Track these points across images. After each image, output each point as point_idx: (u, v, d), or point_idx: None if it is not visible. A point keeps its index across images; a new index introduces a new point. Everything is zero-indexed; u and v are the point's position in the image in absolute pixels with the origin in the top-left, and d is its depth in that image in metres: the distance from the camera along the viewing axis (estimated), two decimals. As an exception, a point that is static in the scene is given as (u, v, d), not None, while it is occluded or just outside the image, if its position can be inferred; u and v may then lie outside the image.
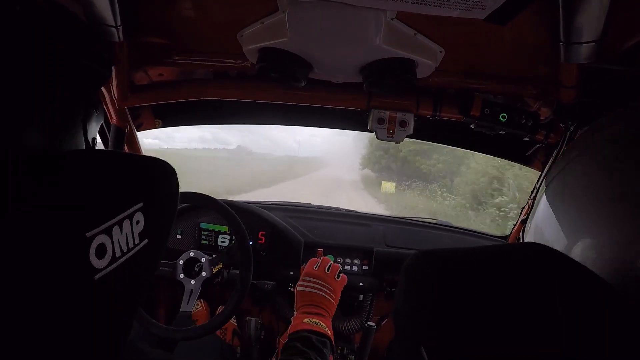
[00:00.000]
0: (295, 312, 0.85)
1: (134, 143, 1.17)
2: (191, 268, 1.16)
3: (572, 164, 0.54)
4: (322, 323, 0.79)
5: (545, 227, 0.53)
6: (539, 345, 0.29)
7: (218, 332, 1.36)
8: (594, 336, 0.29)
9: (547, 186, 0.55)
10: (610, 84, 0.76)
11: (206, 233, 1.34)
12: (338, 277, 0.91)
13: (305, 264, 0.94)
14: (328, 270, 0.91)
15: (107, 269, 0.35)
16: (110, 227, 0.35)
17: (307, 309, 0.82)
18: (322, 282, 0.87)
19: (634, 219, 0.37)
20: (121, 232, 0.37)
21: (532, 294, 0.32)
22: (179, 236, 1.34)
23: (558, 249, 0.37)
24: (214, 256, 1.18)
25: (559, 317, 0.30)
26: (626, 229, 0.38)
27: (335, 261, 1.34)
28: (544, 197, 0.56)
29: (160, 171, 0.46)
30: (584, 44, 0.66)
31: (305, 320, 0.78)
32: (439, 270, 0.35)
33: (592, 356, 0.28)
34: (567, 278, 0.33)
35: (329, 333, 0.78)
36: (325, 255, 1.34)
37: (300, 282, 0.88)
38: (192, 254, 1.16)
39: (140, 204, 0.39)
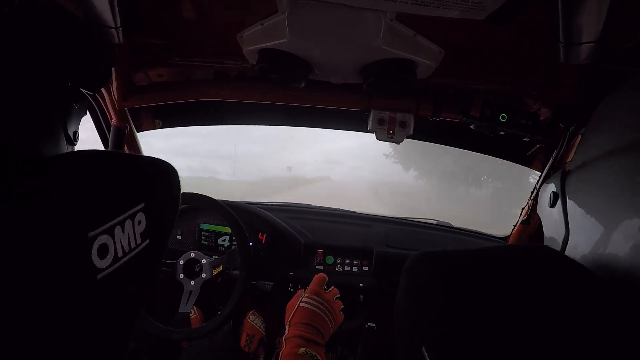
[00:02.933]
0: (287, 327, 0.76)
1: (134, 144, 1.18)
2: (191, 269, 1.16)
3: (591, 147, 0.48)
4: (318, 356, 0.70)
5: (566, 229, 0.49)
6: (543, 347, 0.29)
7: (242, 343, 1.32)
8: (598, 338, 0.29)
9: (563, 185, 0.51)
10: (610, 84, 0.76)
11: (206, 234, 1.34)
12: (340, 312, 0.85)
13: (307, 274, 0.88)
14: (335, 300, 0.85)
15: (109, 269, 0.35)
16: (112, 227, 0.36)
17: (305, 331, 0.74)
18: (330, 308, 0.81)
19: None
20: (123, 233, 0.37)
21: (535, 296, 0.32)
22: (179, 237, 1.34)
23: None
24: (214, 257, 1.18)
25: (564, 318, 0.30)
26: None
27: (335, 261, 1.34)
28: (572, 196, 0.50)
29: (162, 172, 0.46)
30: (583, 45, 0.66)
31: (302, 350, 0.69)
32: (441, 271, 0.35)
33: (597, 356, 0.28)
34: (570, 280, 0.33)
35: None
36: (325, 256, 1.34)
37: (305, 299, 0.80)
38: (192, 255, 1.16)
39: (142, 205, 0.40)
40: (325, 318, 0.78)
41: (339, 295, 0.87)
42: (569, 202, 0.50)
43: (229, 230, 1.33)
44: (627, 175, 0.39)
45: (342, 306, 0.87)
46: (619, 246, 0.38)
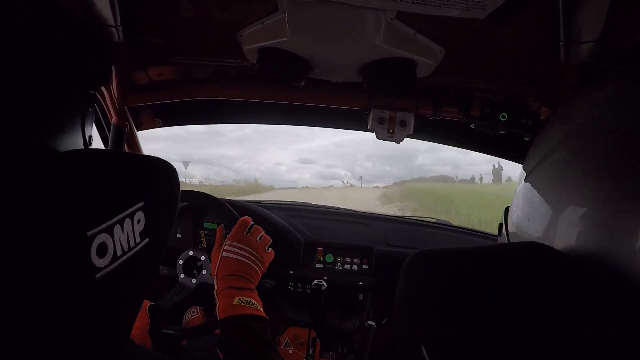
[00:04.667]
0: (215, 281, 0.75)
1: (134, 143, 1.18)
2: (191, 267, 1.16)
3: (551, 139, 0.49)
4: (254, 301, 0.71)
5: (520, 211, 0.51)
6: (542, 344, 0.29)
7: None
8: (598, 335, 0.29)
9: (527, 174, 0.52)
10: None
11: (206, 232, 1.34)
12: (267, 250, 0.83)
13: (223, 227, 0.84)
14: (259, 240, 0.82)
15: (108, 267, 0.35)
16: (112, 226, 0.36)
17: (233, 281, 0.73)
18: (253, 252, 0.78)
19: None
20: (122, 231, 0.37)
21: (534, 293, 0.32)
22: (178, 235, 1.34)
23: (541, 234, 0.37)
24: (215, 290, 1.17)
25: (564, 317, 0.30)
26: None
27: (335, 260, 1.34)
28: (521, 182, 0.52)
29: (161, 170, 0.46)
30: (583, 44, 0.66)
31: (236, 300, 0.69)
32: (440, 270, 0.35)
33: (597, 356, 0.28)
34: (569, 277, 0.33)
35: (261, 307, 0.71)
36: (325, 254, 1.34)
37: (226, 247, 0.77)
38: (191, 253, 1.16)
39: (141, 203, 0.40)
40: (251, 264, 0.77)
41: (262, 233, 0.84)
42: (510, 230, 0.52)
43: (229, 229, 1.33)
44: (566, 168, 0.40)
45: (270, 241, 0.84)
46: (564, 236, 0.39)
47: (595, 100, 0.44)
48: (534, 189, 0.48)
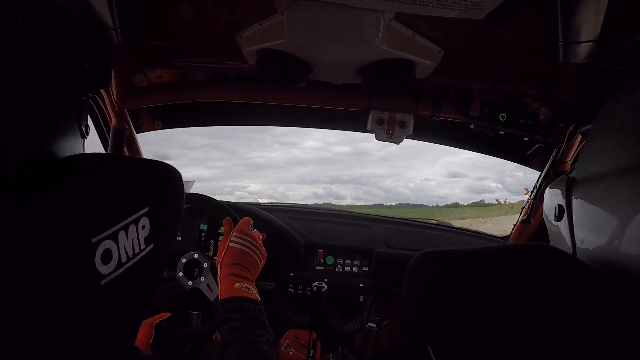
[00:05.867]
0: (219, 268, 0.80)
1: (134, 145, 1.18)
2: (191, 269, 1.16)
3: (601, 148, 0.47)
4: (253, 289, 0.75)
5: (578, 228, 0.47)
6: (547, 345, 0.28)
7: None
8: (602, 335, 0.29)
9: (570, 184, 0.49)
10: (609, 83, 0.76)
11: (206, 234, 1.34)
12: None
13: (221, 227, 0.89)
14: (261, 238, 0.89)
15: (113, 274, 0.35)
16: (116, 233, 0.35)
17: (237, 270, 0.77)
18: (258, 245, 0.84)
19: None
20: (127, 237, 0.36)
21: (540, 294, 0.32)
22: (179, 237, 1.33)
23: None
24: (214, 258, 1.18)
25: (568, 319, 0.30)
26: None
27: (335, 262, 1.34)
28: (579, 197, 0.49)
29: (166, 175, 0.45)
30: (582, 44, 0.66)
31: (237, 285, 0.74)
32: (445, 271, 0.35)
33: (600, 355, 0.28)
34: (574, 278, 0.33)
35: (259, 299, 0.76)
36: (325, 256, 1.34)
37: (234, 238, 0.82)
38: (195, 256, 1.16)
39: (146, 209, 0.39)
40: (254, 256, 0.82)
41: (262, 236, 0.91)
42: (575, 215, 0.48)
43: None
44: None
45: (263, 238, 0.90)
46: (629, 247, 0.37)
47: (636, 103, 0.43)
48: (598, 199, 0.45)
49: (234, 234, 0.83)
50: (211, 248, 1.26)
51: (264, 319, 0.71)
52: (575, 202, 0.49)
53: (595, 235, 0.43)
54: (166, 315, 0.97)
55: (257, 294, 0.76)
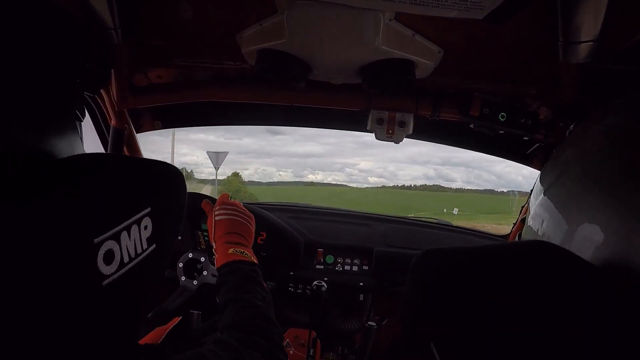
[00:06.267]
0: (214, 243, 0.79)
1: (134, 145, 1.18)
2: (192, 269, 1.16)
3: (566, 160, 0.56)
4: (247, 253, 0.75)
5: (542, 222, 0.55)
6: (549, 342, 0.29)
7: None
8: (601, 331, 0.29)
9: (542, 184, 0.57)
10: (609, 83, 0.76)
11: (206, 234, 1.34)
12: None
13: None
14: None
15: (115, 275, 0.35)
16: (118, 233, 0.35)
17: (230, 238, 0.77)
18: (242, 210, 0.83)
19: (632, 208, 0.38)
20: (129, 238, 0.36)
21: (540, 293, 0.32)
22: (179, 237, 1.33)
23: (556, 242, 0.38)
24: (214, 256, 1.18)
25: (568, 315, 0.30)
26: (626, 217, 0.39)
27: (335, 261, 1.34)
28: (541, 194, 0.58)
29: (168, 175, 0.45)
30: (582, 43, 0.66)
31: (231, 250, 0.75)
32: (447, 268, 0.36)
33: (600, 352, 0.28)
34: (575, 275, 0.33)
35: (256, 261, 0.76)
36: (325, 255, 1.34)
37: (218, 212, 0.82)
38: (190, 255, 1.16)
39: (149, 209, 0.39)
40: (242, 221, 0.82)
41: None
42: (562, 196, 0.55)
43: None
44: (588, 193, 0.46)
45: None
46: (579, 244, 0.43)
47: (601, 129, 0.51)
48: (552, 202, 0.54)
49: (216, 207, 0.83)
50: (201, 240, 1.26)
51: (259, 278, 0.71)
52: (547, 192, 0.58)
53: (554, 230, 0.51)
54: (177, 319, 0.98)
55: (252, 257, 0.76)
